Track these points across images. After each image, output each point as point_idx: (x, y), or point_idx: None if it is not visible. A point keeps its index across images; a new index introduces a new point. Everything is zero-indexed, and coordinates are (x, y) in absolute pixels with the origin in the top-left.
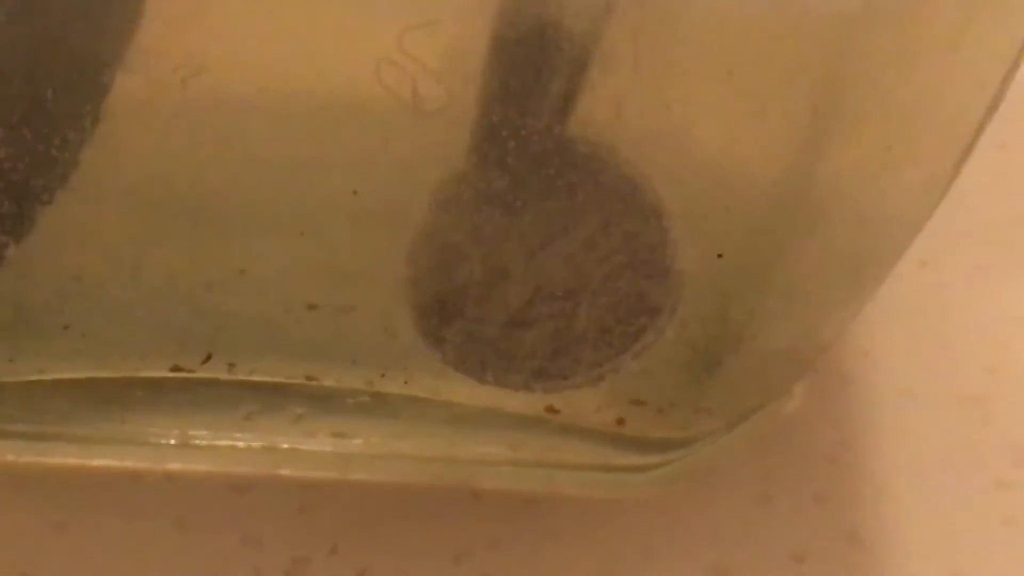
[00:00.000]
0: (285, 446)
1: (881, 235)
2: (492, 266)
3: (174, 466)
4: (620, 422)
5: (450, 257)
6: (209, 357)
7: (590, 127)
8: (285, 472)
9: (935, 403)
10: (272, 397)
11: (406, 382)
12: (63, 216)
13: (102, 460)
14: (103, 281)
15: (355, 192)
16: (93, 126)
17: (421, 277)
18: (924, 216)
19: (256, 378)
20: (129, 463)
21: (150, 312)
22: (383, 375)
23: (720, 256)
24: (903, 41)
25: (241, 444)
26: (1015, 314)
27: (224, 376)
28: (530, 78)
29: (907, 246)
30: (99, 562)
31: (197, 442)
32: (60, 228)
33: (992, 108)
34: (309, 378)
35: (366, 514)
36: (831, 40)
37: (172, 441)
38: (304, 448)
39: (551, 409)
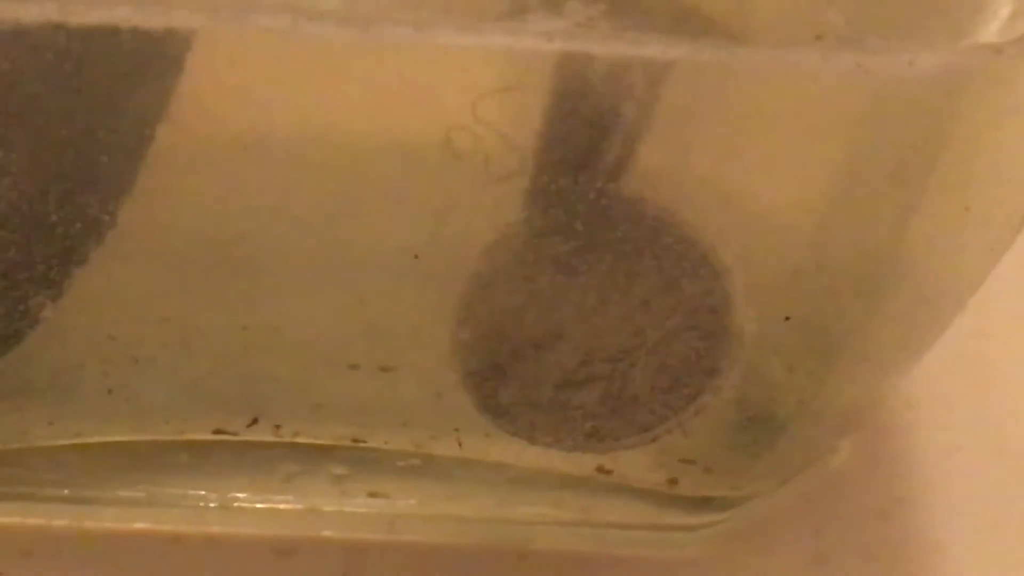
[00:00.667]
0: (328, 508)
1: (946, 295)
2: (546, 328)
3: (215, 529)
4: (672, 482)
5: (504, 319)
6: (255, 421)
7: (653, 186)
8: (328, 534)
9: (984, 456)
10: (314, 458)
11: (458, 444)
12: (98, 276)
13: (142, 523)
14: (142, 343)
15: (416, 256)
16: (131, 186)
17: (472, 341)
18: (985, 274)
19: (302, 440)
20: (169, 526)
21: (192, 374)
22: (432, 437)
23: (788, 319)
24: (986, 105)
25: (283, 506)
26: None
27: (269, 439)
28: (587, 137)
29: (965, 303)
30: None
31: (238, 504)
32: (95, 288)
33: None
34: (356, 440)
35: (415, 575)
36: (912, 104)
37: (213, 504)
38: (347, 510)
39: (602, 469)
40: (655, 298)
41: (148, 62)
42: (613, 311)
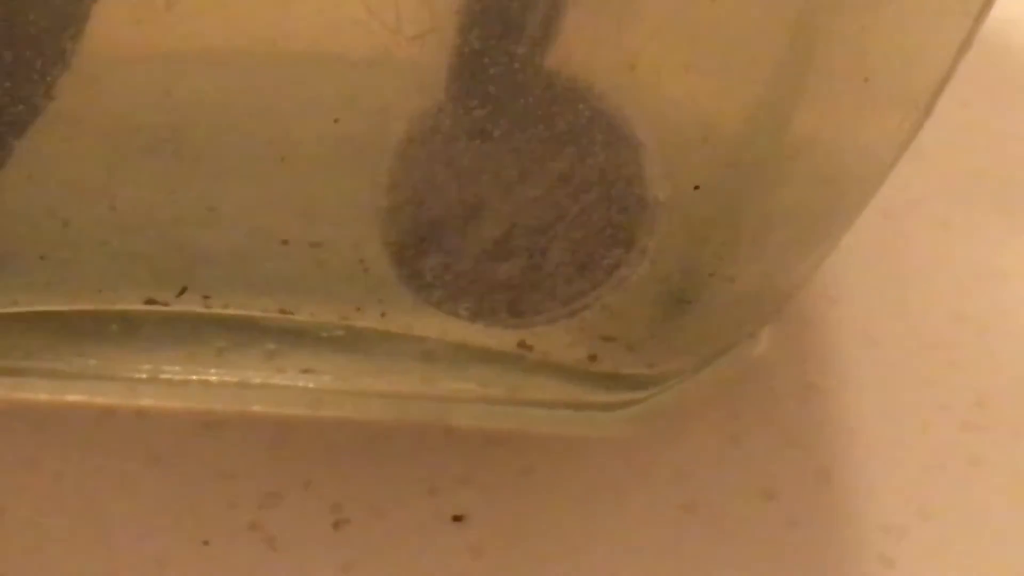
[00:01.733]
0: (257, 382)
1: (849, 183)
2: (468, 199)
3: (147, 402)
4: (592, 358)
5: (426, 190)
6: (184, 290)
7: (567, 62)
8: (257, 408)
9: (901, 349)
10: (245, 333)
11: (381, 315)
12: (35, 148)
13: (75, 396)
14: (78, 214)
15: (336, 120)
16: (68, 59)
17: (397, 210)
18: (889, 166)
19: (231, 312)
20: (101, 399)
21: (124, 245)
22: (358, 309)
23: (697, 188)
24: None
25: (214, 379)
26: (978, 266)
27: (199, 309)
28: (509, 8)
29: (872, 195)
30: (73, 498)
31: (169, 377)
32: (33, 162)
33: (955, 61)
34: (283, 312)
35: (339, 450)
36: None
37: (144, 376)
38: (276, 383)
39: (524, 345)
40: (572, 170)
41: None
42: (531, 183)
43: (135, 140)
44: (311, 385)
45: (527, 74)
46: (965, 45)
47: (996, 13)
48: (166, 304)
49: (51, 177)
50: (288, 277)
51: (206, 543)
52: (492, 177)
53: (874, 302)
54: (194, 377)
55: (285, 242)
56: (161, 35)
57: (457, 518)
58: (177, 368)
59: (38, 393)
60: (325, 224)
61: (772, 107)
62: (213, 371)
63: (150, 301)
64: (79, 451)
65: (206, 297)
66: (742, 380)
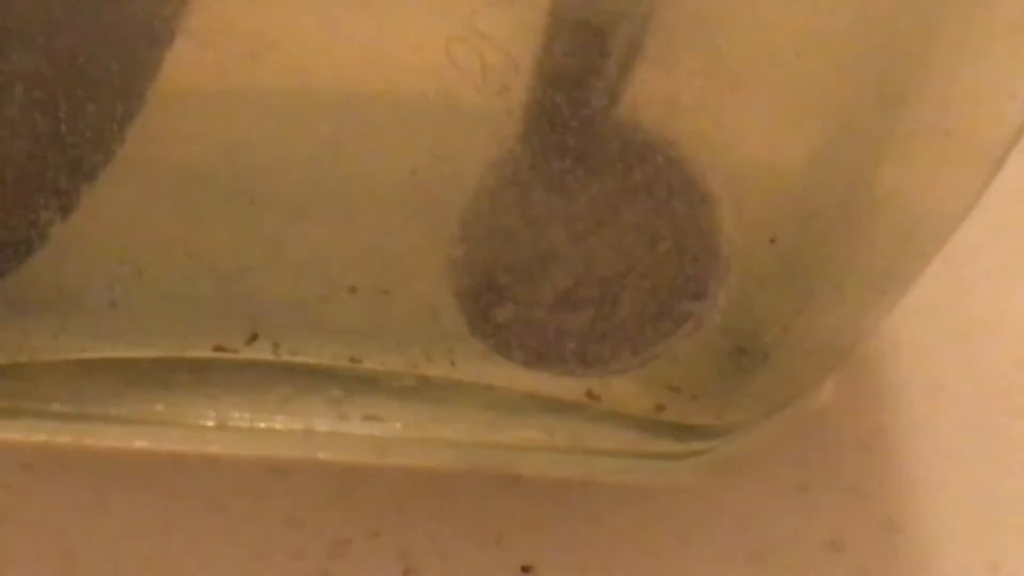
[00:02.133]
0: (324, 429)
1: (922, 235)
2: (540, 249)
3: (213, 448)
4: (659, 408)
5: (498, 239)
6: (255, 337)
7: (643, 112)
8: (324, 455)
9: (966, 396)
10: (311, 380)
11: (451, 364)
12: (107, 194)
13: (142, 441)
14: (148, 260)
15: (414, 172)
16: (141, 104)
17: (468, 259)
18: (961, 218)
19: (300, 359)
20: (168, 445)
21: (196, 292)
22: (427, 358)
23: (773, 241)
24: (966, 25)
25: (280, 427)
26: None
27: (268, 357)
28: (585, 60)
29: (942, 246)
30: (140, 543)
31: (236, 424)
32: (105, 206)
33: None
34: (353, 360)
35: (406, 498)
36: (893, 28)
37: (211, 423)
38: (343, 431)
39: (591, 395)
40: (644, 221)
41: None
42: (604, 233)
43: (208, 186)
44: (377, 432)
45: (603, 126)
46: None
47: None
48: (235, 351)
49: (124, 224)
50: (357, 325)
51: None
52: (565, 227)
53: (937, 348)
54: (261, 424)
55: (354, 289)
56: (237, 81)
57: (526, 569)
58: (244, 415)
59: (105, 439)
60: (395, 272)
61: (851, 161)
62: (279, 418)
63: (219, 348)
64: (146, 497)
65: (275, 344)
66: (807, 429)
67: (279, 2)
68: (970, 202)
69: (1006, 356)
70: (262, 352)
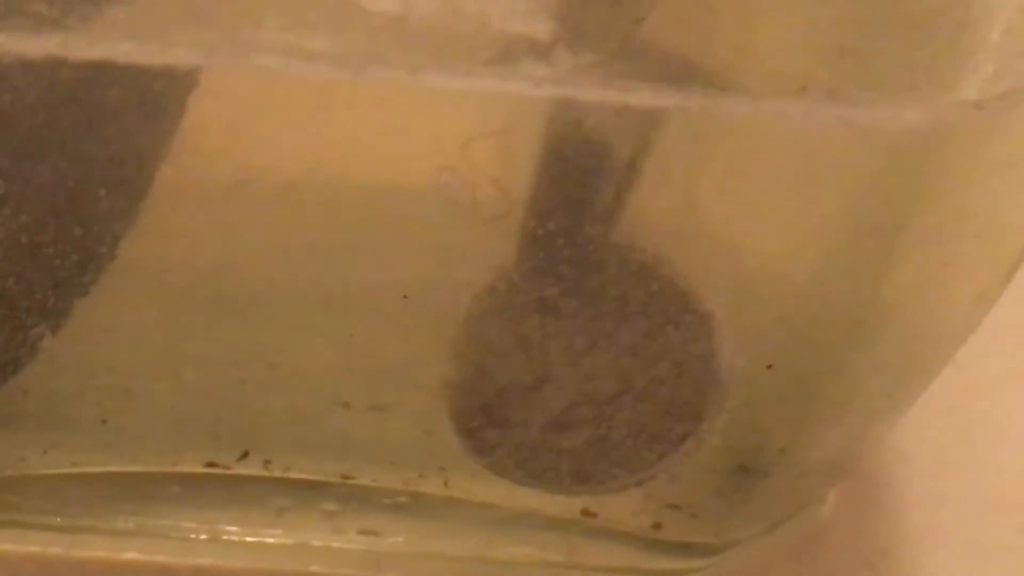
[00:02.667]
0: (317, 544)
1: (931, 347)
2: (535, 371)
3: (204, 561)
4: (656, 527)
5: (492, 361)
6: (246, 454)
7: (641, 234)
8: (316, 569)
9: (972, 510)
10: (305, 494)
11: (444, 483)
12: (96, 308)
13: (132, 554)
14: (138, 375)
15: (405, 297)
16: (131, 221)
17: (462, 380)
18: (973, 327)
19: (292, 475)
20: (160, 557)
21: (186, 407)
22: (420, 475)
23: (770, 367)
24: (968, 160)
25: (272, 540)
26: None
27: (260, 473)
28: (578, 184)
29: (952, 356)
30: None
31: (228, 538)
32: (93, 320)
33: None
34: (345, 477)
35: None
36: (895, 157)
37: (203, 536)
38: (336, 546)
39: (587, 512)
40: (641, 343)
41: (150, 99)
42: (599, 355)
43: (198, 302)
44: (371, 547)
45: (598, 251)
46: None
47: None
48: (227, 468)
49: (113, 340)
50: (350, 441)
51: None
52: (559, 349)
53: (943, 458)
54: (252, 538)
55: (347, 405)
56: (225, 201)
57: None
58: (236, 528)
59: (97, 550)
60: (388, 390)
61: (851, 288)
62: (272, 531)
63: (211, 464)
64: None
65: (267, 461)
66: (809, 544)
67: (265, 139)
68: (973, 323)
69: (1012, 467)
70: (254, 468)
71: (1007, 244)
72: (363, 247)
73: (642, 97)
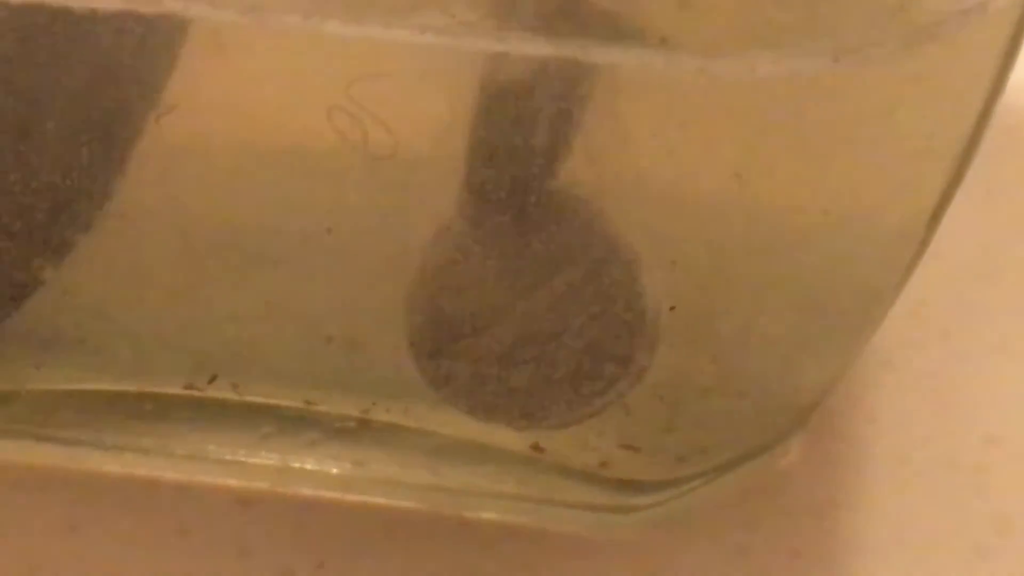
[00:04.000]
0: (295, 465)
1: (852, 291)
2: (481, 309)
3: (185, 477)
4: (603, 464)
5: (445, 301)
6: (215, 377)
7: (574, 181)
8: (287, 490)
9: (929, 469)
10: (277, 420)
11: (403, 412)
12: (89, 243)
13: (117, 467)
14: (114, 300)
15: (329, 230)
16: (122, 165)
17: (418, 314)
18: (897, 274)
19: (259, 400)
20: (143, 471)
21: (162, 334)
22: (379, 404)
23: (672, 309)
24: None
25: (252, 461)
26: None
27: (230, 396)
28: (508, 134)
29: (885, 306)
30: (103, 563)
31: (211, 456)
32: (84, 254)
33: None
34: (308, 403)
35: (356, 534)
36: (760, 107)
37: (186, 454)
38: (308, 468)
39: (537, 448)
40: (575, 285)
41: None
42: (538, 296)
43: (165, 240)
44: (335, 471)
45: (531, 197)
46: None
47: None
48: (202, 390)
49: (94, 271)
50: (312, 370)
51: None
52: (502, 291)
53: (913, 421)
54: (230, 457)
55: (309, 335)
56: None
57: None
58: (219, 448)
59: (82, 462)
60: (348, 321)
61: (753, 232)
62: (251, 453)
63: (188, 386)
64: (116, 519)
65: (235, 385)
66: (761, 491)
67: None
68: (897, 271)
69: (977, 431)
70: (224, 392)
71: (921, 183)
72: (288, 191)
73: (517, 46)
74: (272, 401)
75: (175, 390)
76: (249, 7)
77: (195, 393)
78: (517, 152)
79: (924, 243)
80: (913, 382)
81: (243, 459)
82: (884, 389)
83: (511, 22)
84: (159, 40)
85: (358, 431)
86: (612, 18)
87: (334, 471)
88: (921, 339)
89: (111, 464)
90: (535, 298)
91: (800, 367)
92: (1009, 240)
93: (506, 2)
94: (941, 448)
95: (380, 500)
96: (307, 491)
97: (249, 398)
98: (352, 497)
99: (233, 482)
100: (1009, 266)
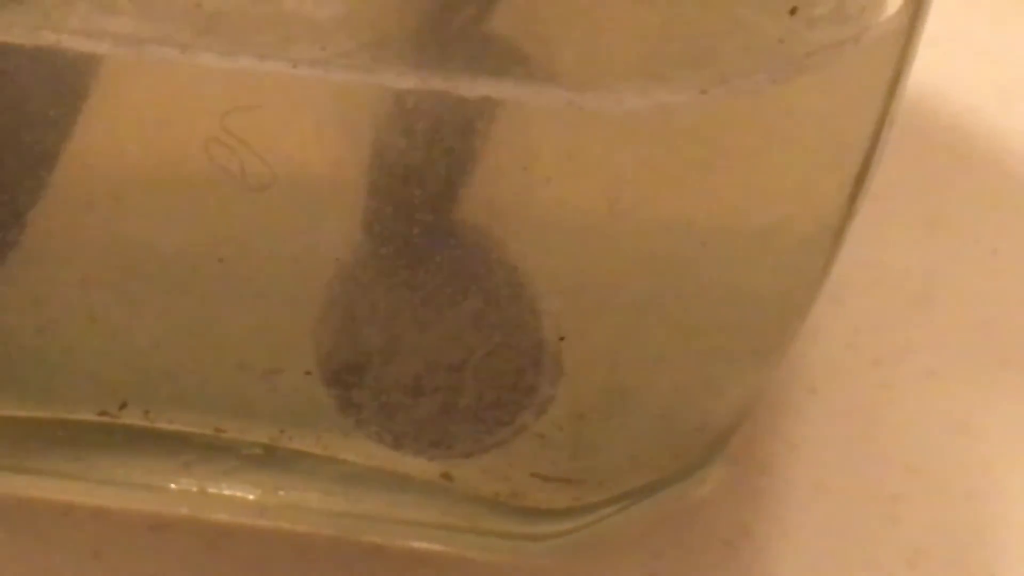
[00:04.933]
0: (212, 491)
1: (756, 312)
2: (384, 338)
3: (100, 502)
4: (513, 494)
5: (352, 329)
6: (125, 404)
7: (474, 213)
8: (202, 515)
9: (848, 500)
10: (203, 449)
11: (315, 440)
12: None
13: (32, 491)
14: (27, 330)
15: (220, 260)
16: (40, 191)
17: (324, 345)
18: (802, 292)
19: (169, 426)
20: (58, 496)
21: (71, 361)
22: (289, 432)
23: (562, 339)
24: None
25: (169, 486)
26: (948, 420)
27: (141, 423)
28: (402, 166)
29: (792, 326)
30: None
31: (127, 481)
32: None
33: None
34: (218, 430)
35: (270, 560)
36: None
37: (101, 479)
38: (224, 494)
39: (447, 476)
40: (476, 316)
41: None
42: (441, 326)
43: (75, 263)
44: (252, 497)
45: (435, 226)
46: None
47: None
48: (114, 417)
49: (10, 293)
50: (222, 397)
51: None
52: (405, 321)
53: (835, 450)
54: (146, 482)
55: (218, 362)
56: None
57: None
58: (138, 474)
59: (9, 488)
60: (257, 349)
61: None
62: (168, 479)
63: (102, 413)
64: (31, 543)
65: (146, 412)
66: (675, 519)
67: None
68: (801, 293)
69: (898, 461)
70: (135, 418)
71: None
72: (175, 222)
73: (385, 78)
74: (183, 428)
75: (89, 416)
76: (126, 40)
77: (107, 420)
78: (409, 183)
79: (829, 261)
80: (838, 410)
81: (160, 484)
82: (807, 416)
83: (384, 55)
84: (57, 74)
85: (266, 458)
86: (488, 52)
87: (250, 497)
88: (852, 367)
89: (26, 488)
90: (435, 328)
91: (709, 390)
92: (946, 269)
93: (379, 36)
94: (860, 477)
95: (295, 526)
96: (223, 517)
97: (160, 425)
98: (266, 523)
99: (148, 507)
100: (946, 295)
